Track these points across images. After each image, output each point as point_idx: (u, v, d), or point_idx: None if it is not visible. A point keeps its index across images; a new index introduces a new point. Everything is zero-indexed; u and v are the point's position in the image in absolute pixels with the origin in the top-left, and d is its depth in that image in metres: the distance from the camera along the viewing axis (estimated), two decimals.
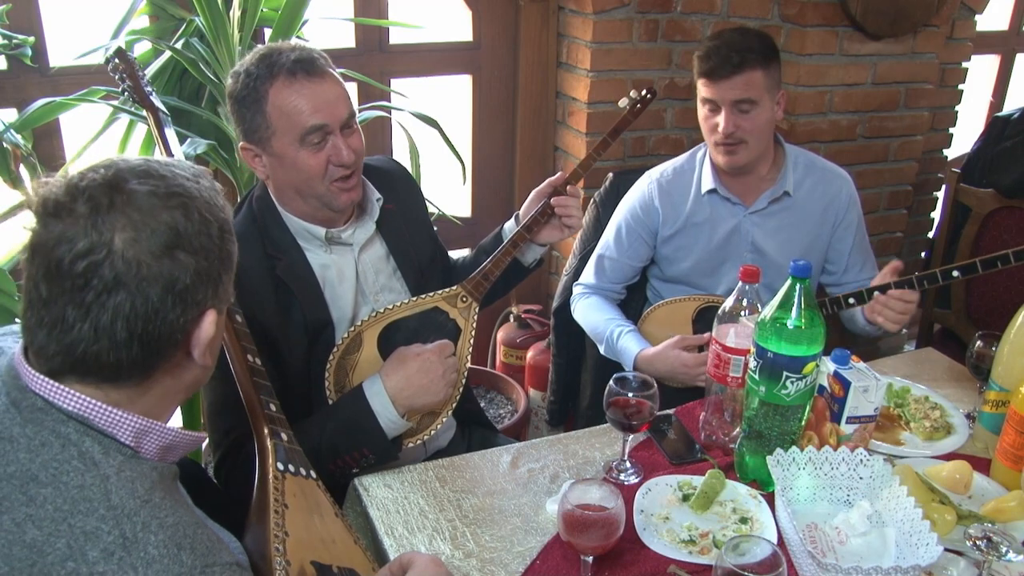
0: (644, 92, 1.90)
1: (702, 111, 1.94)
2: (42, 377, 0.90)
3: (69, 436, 0.88)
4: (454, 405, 1.56)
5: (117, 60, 1.63)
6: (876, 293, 1.77)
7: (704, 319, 1.96)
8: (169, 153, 1.55)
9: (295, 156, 1.48)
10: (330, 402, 1.51)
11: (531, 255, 1.81)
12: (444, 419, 1.54)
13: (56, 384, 0.90)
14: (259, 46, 1.53)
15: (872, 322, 1.83)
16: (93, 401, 0.90)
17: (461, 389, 1.57)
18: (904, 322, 1.77)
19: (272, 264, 1.53)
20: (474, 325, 1.62)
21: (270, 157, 1.51)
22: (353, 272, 1.62)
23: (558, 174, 1.77)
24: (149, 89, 1.64)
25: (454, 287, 1.63)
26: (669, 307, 2.03)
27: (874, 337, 1.92)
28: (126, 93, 1.63)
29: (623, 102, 1.90)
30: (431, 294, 1.61)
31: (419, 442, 1.53)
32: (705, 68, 1.87)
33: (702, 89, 1.90)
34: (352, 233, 1.62)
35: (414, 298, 1.61)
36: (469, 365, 1.60)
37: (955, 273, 1.69)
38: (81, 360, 0.89)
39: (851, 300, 1.82)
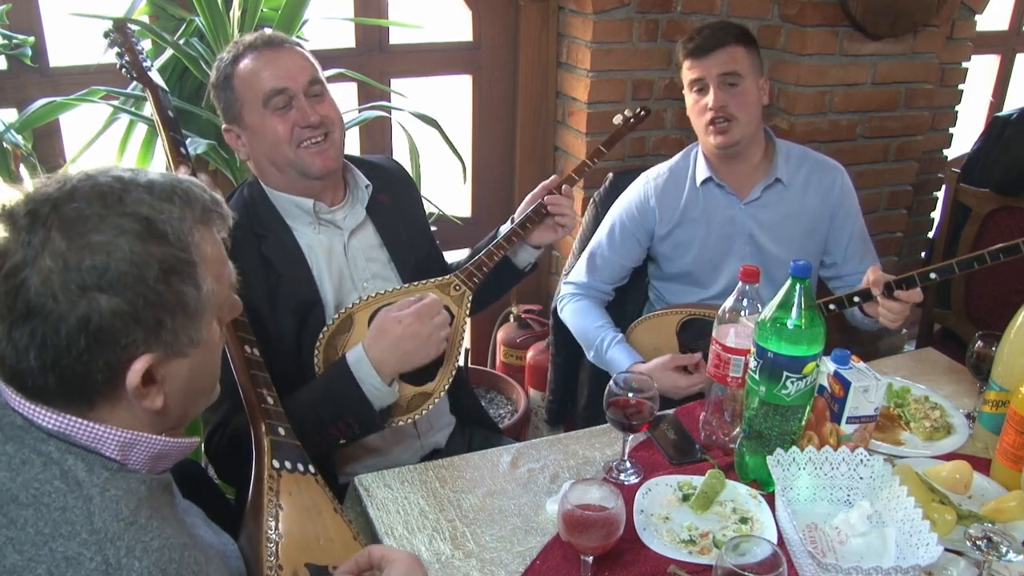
0: (639, 110, 1.96)
1: (691, 98, 1.98)
2: (17, 396, 0.87)
3: (51, 454, 0.85)
4: (447, 386, 1.55)
5: (115, 34, 1.62)
6: (879, 296, 1.75)
7: (688, 331, 1.97)
8: (170, 133, 1.53)
9: (262, 123, 1.54)
10: None
11: (525, 258, 1.81)
12: (436, 399, 1.54)
13: (32, 404, 0.86)
14: None
15: (869, 315, 1.82)
16: (72, 418, 0.86)
17: (454, 372, 1.57)
18: (902, 320, 1.77)
19: (259, 242, 1.55)
20: (467, 313, 1.63)
21: (245, 132, 1.57)
22: (341, 254, 1.64)
23: (552, 177, 1.79)
24: (148, 64, 1.61)
25: (447, 276, 1.64)
26: (652, 321, 2.03)
27: (873, 331, 1.92)
28: (124, 69, 1.61)
29: (617, 119, 1.97)
30: (424, 281, 1.62)
31: (409, 421, 1.52)
32: (689, 48, 1.94)
33: (689, 72, 1.95)
34: (344, 218, 1.64)
35: (406, 284, 1.62)
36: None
37: (932, 275, 1.68)
38: (11, 377, 0.86)
39: (832, 307, 1.80)
